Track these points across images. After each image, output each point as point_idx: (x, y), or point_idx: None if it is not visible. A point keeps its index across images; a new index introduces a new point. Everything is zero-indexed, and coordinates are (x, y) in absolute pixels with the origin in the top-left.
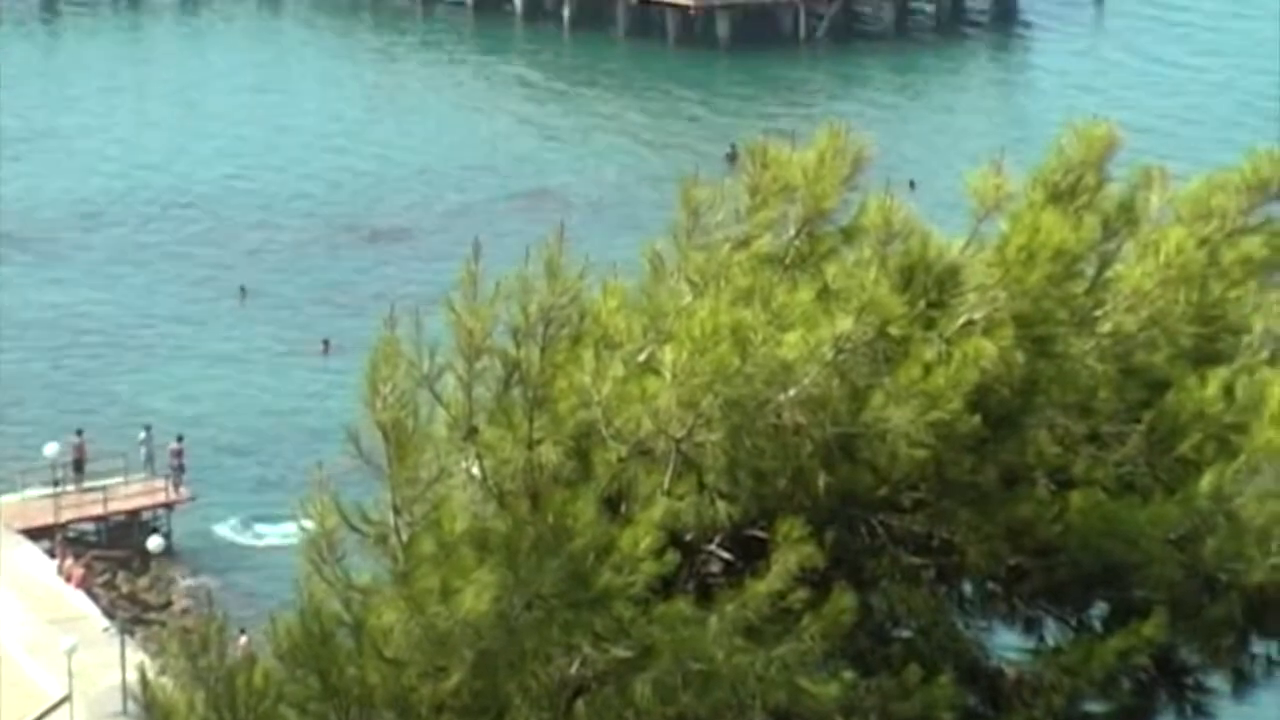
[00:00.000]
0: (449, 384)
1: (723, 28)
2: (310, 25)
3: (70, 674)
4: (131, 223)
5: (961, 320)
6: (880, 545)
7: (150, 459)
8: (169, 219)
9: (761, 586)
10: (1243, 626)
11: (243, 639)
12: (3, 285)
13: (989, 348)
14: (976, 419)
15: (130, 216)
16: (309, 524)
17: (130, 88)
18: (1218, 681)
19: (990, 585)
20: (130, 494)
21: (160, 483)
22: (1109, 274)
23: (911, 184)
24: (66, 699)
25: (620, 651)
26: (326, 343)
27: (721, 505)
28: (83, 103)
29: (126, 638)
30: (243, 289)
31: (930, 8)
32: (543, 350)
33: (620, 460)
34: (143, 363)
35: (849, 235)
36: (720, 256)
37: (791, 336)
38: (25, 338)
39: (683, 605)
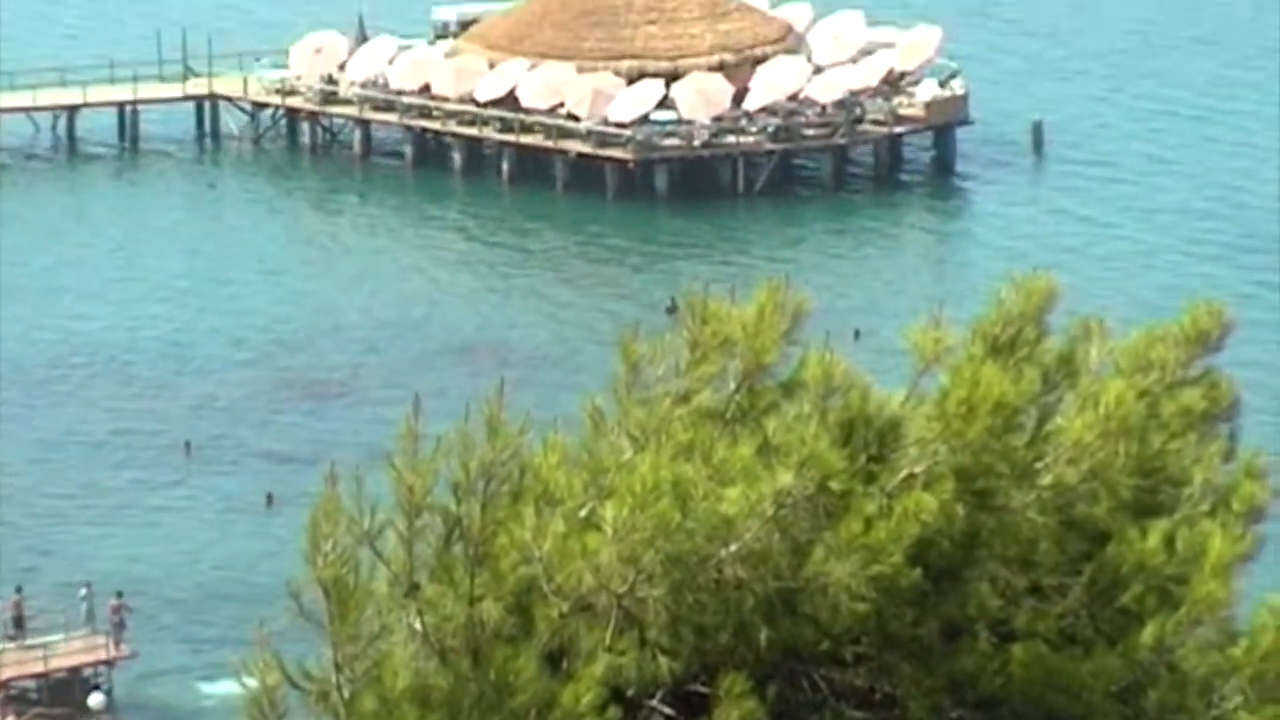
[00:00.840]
0: (390, 541)
1: (661, 181)
2: (249, 180)
3: None
4: (71, 379)
5: (902, 474)
6: (822, 699)
7: (91, 616)
8: (108, 375)
9: None
10: None
11: None
12: None
13: (930, 502)
14: (918, 573)
15: (69, 373)
16: (251, 681)
17: (67, 243)
18: None
19: None
20: (71, 651)
21: (101, 639)
22: (1049, 427)
23: (856, 334)
24: None
25: None
26: (270, 497)
27: (664, 660)
28: (17, 259)
29: None
30: (188, 444)
31: (868, 160)
32: (484, 507)
33: (562, 616)
34: (84, 519)
35: (789, 390)
36: (661, 411)
37: (732, 492)
38: None
39: None
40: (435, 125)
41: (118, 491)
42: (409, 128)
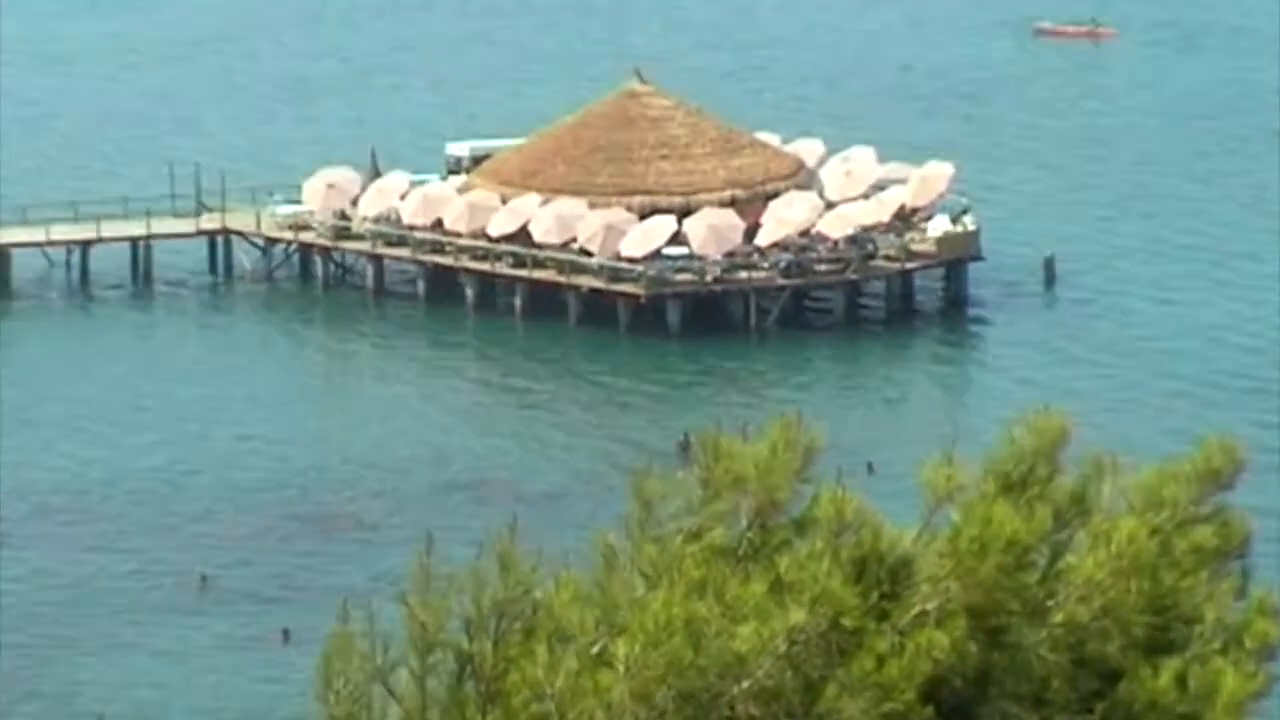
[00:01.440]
0: (402, 678)
1: (674, 315)
2: (261, 317)
3: None
4: (83, 512)
5: (915, 611)
6: None
7: None
8: (121, 508)
9: None
10: None
11: None
12: None
13: (942, 639)
14: (930, 710)
15: (81, 505)
16: None
17: (80, 377)
18: None
19: None
20: None
21: None
22: (1061, 564)
23: (870, 467)
24: None
25: None
26: (286, 632)
27: None
28: (30, 393)
29: None
30: (203, 577)
31: (881, 295)
32: (496, 644)
33: None
34: (96, 654)
35: (802, 527)
36: (673, 549)
37: (745, 629)
38: None
39: None
40: (448, 260)
41: (127, 626)
42: (422, 263)
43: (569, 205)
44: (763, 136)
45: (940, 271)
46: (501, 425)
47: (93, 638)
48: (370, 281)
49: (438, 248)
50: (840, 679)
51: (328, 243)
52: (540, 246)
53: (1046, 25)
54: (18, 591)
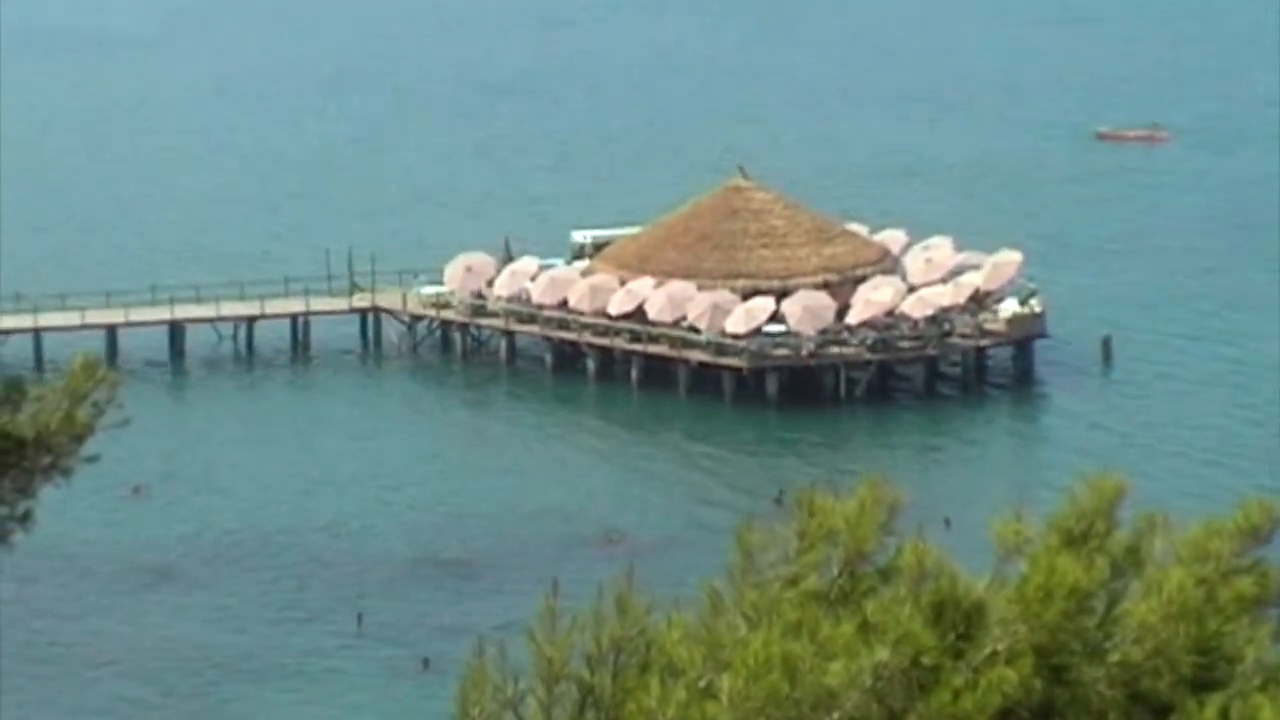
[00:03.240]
0: (531, 706)
1: (772, 387)
2: (406, 387)
3: None
4: (254, 557)
5: (987, 651)
6: None
7: None
8: (285, 554)
9: None
10: None
11: None
12: (127, 618)
13: (1011, 676)
14: None
15: (252, 551)
16: None
17: (247, 442)
18: None
19: None
20: None
21: None
22: (1118, 610)
23: (947, 521)
24: None
25: None
26: (426, 661)
27: None
28: (201, 455)
29: None
30: (360, 616)
31: (957, 370)
32: (614, 677)
33: None
34: (262, 680)
35: (886, 575)
36: (772, 594)
37: (835, 666)
38: (146, 668)
39: None
40: (572, 336)
41: (298, 657)
42: (549, 338)
43: (680, 287)
44: (852, 227)
45: (1010, 349)
46: (619, 484)
47: (266, 668)
48: (503, 355)
49: (563, 324)
50: (920, 711)
51: (465, 319)
52: (654, 324)
53: (1107, 130)
54: (201, 630)
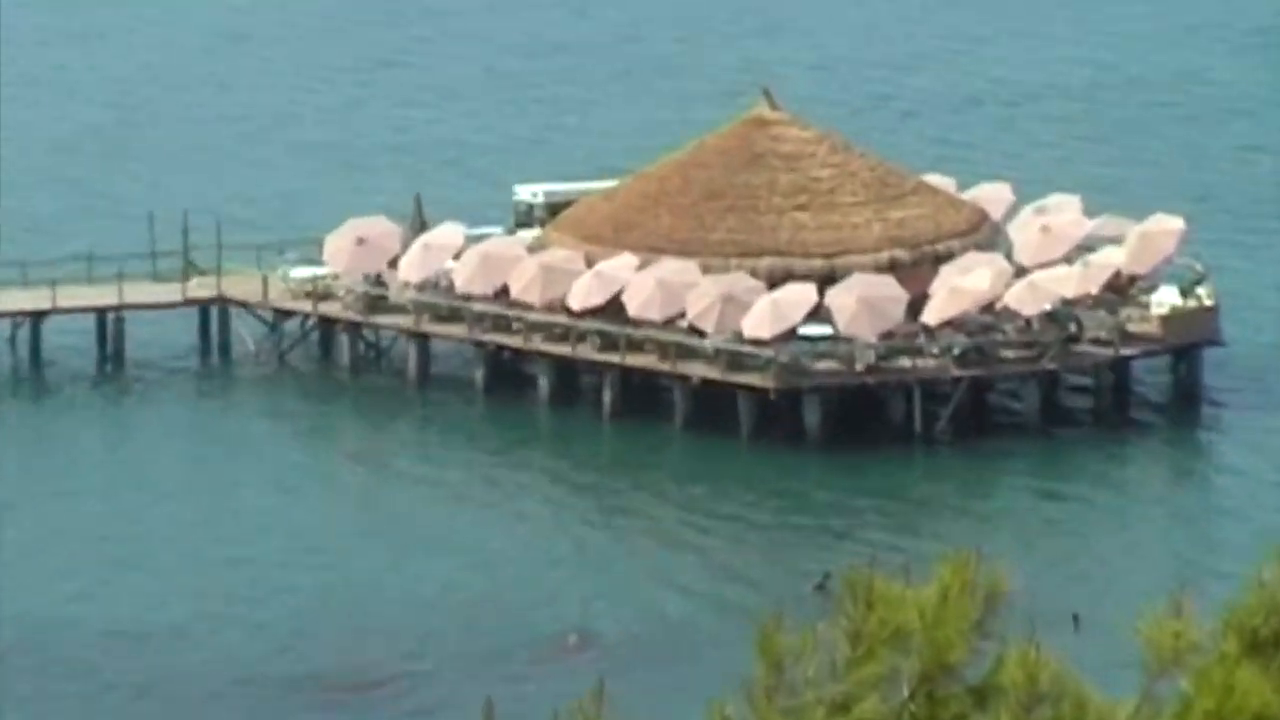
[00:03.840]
0: None
1: (812, 416)
2: (267, 413)
3: None
4: (25, 678)
5: None
6: None
7: None
8: (79, 674)
9: None
10: None
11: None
12: None
13: None
14: None
15: (22, 670)
16: None
17: (28, 487)
18: None
19: None
20: None
21: None
22: None
23: (1075, 620)
24: None
25: None
26: None
27: None
28: None
29: None
30: None
31: (1087, 391)
32: None
33: None
34: None
35: (982, 697)
36: None
37: None
38: None
39: None
40: (515, 341)
41: None
42: (480, 344)
43: (675, 269)
44: (932, 179)
45: (1166, 360)
46: (585, 559)
47: None
48: (413, 368)
49: (502, 324)
50: None
51: (357, 316)
52: (637, 324)
53: None
54: None
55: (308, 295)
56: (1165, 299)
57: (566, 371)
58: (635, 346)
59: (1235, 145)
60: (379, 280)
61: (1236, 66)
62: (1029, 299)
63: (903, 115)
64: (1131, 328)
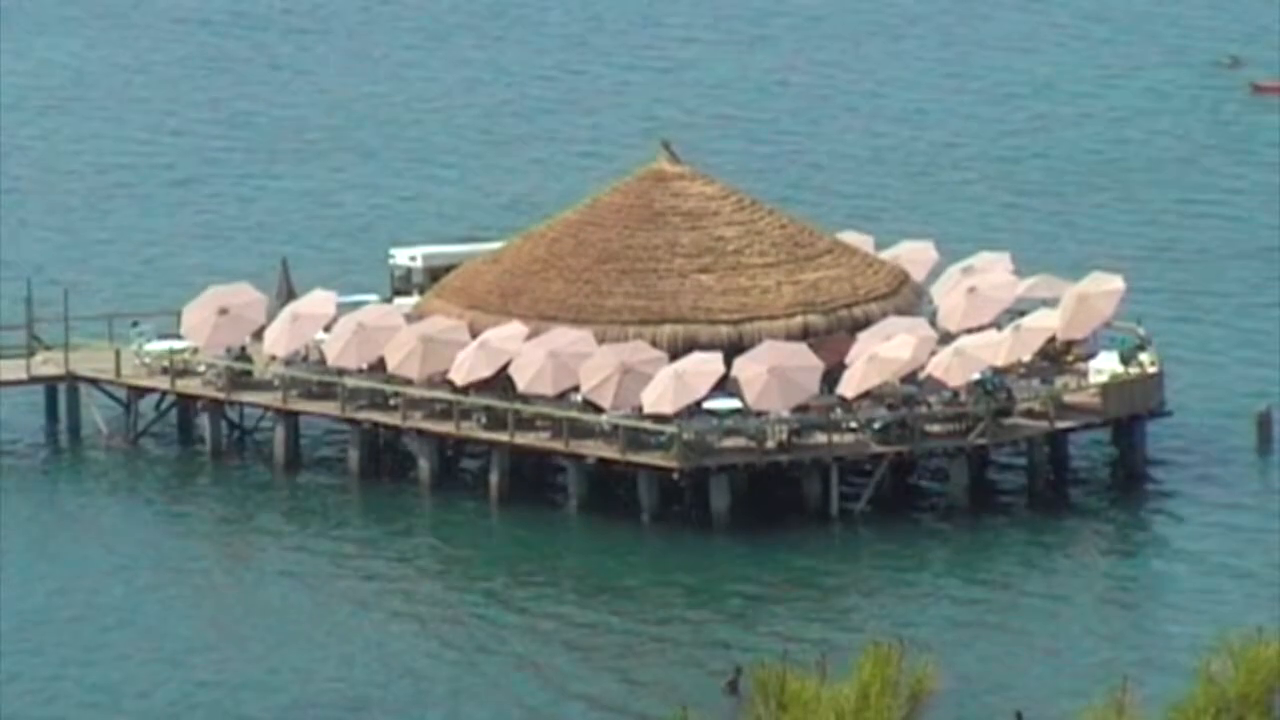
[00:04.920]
0: None
1: (720, 498)
2: (120, 500)
3: None
4: None
5: None
6: None
7: None
8: None
9: None
10: None
11: None
12: None
13: None
14: None
15: None
16: None
17: None
18: None
19: None
20: None
21: None
22: None
23: (1018, 717)
24: None
25: None
26: None
27: None
28: None
29: None
30: None
31: (1019, 468)
32: None
33: None
34: None
35: None
36: None
37: None
38: None
39: None
40: (393, 419)
41: None
42: (355, 423)
43: (568, 339)
44: (847, 238)
45: (1106, 433)
46: (467, 661)
47: None
48: (280, 450)
49: (378, 401)
50: None
51: (219, 394)
52: (526, 399)
53: (1268, 81)
54: None
55: (165, 371)
56: (1105, 366)
57: (450, 452)
58: (525, 424)
59: (1176, 198)
60: (243, 354)
61: (1174, 114)
62: (956, 368)
63: (814, 169)
64: (1068, 398)
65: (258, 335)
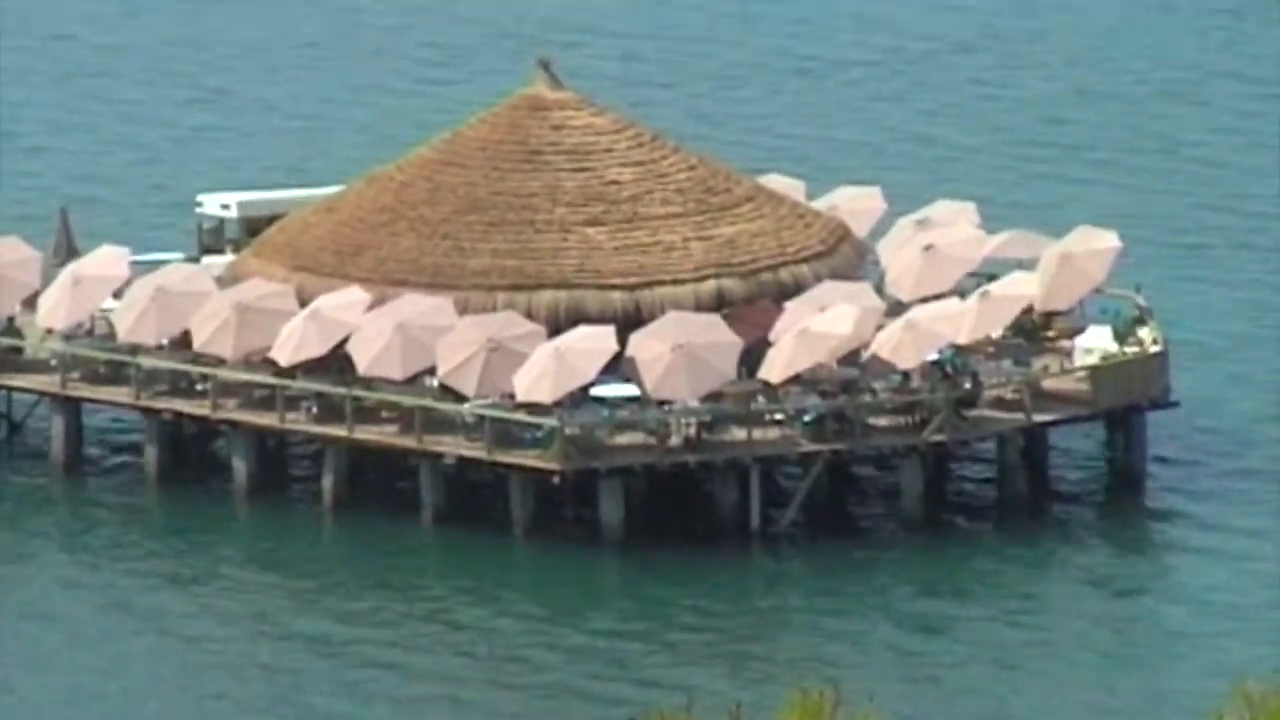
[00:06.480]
0: None
1: (611, 507)
2: None
3: None
4: None
5: None
6: None
7: None
8: None
9: None
10: None
11: None
12: None
13: None
14: None
15: None
16: None
17: None
18: None
19: None
20: None
21: None
22: None
23: None
24: None
25: None
26: None
27: None
28: None
29: None
30: None
31: (984, 469)
32: None
33: None
34: None
35: None
36: None
37: None
38: None
39: None
40: (200, 409)
41: None
42: (153, 412)
43: (421, 309)
44: (772, 182)
45: (1097, 428)
46: (293, 699)
47: None
48: (59, 445)
49: (182, 386)
50: None
51: None
52: (368, 383)
53: None
54: None
55: None
56: (1095, 344)
57: (272, 449)
58: (367, 415)
59: (1177, 141)
60: (10, 326)
61: (1174, 40)
62: (907, 346)
63: (730, 94)
64: (1048, 384)
65: (29, 303)
